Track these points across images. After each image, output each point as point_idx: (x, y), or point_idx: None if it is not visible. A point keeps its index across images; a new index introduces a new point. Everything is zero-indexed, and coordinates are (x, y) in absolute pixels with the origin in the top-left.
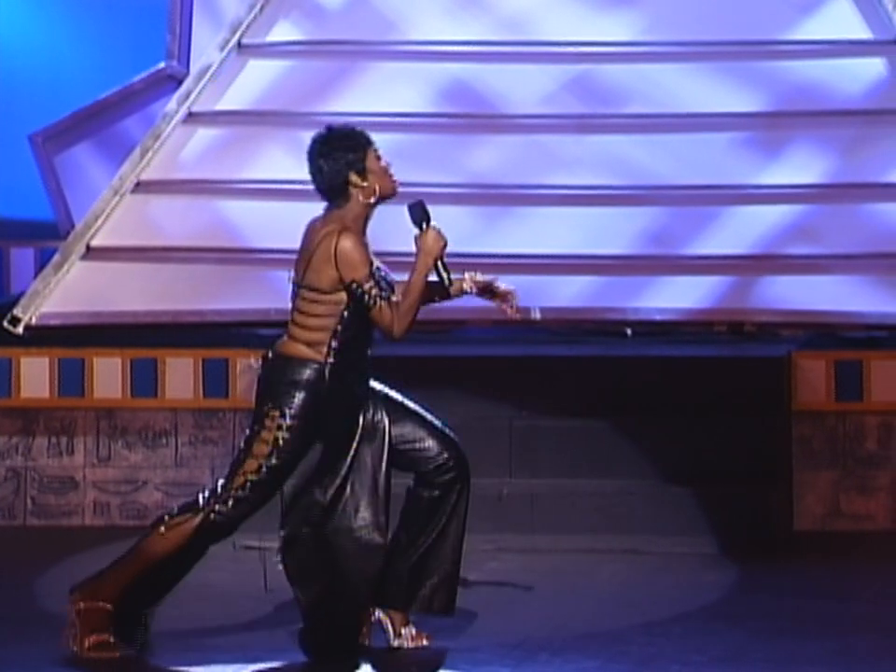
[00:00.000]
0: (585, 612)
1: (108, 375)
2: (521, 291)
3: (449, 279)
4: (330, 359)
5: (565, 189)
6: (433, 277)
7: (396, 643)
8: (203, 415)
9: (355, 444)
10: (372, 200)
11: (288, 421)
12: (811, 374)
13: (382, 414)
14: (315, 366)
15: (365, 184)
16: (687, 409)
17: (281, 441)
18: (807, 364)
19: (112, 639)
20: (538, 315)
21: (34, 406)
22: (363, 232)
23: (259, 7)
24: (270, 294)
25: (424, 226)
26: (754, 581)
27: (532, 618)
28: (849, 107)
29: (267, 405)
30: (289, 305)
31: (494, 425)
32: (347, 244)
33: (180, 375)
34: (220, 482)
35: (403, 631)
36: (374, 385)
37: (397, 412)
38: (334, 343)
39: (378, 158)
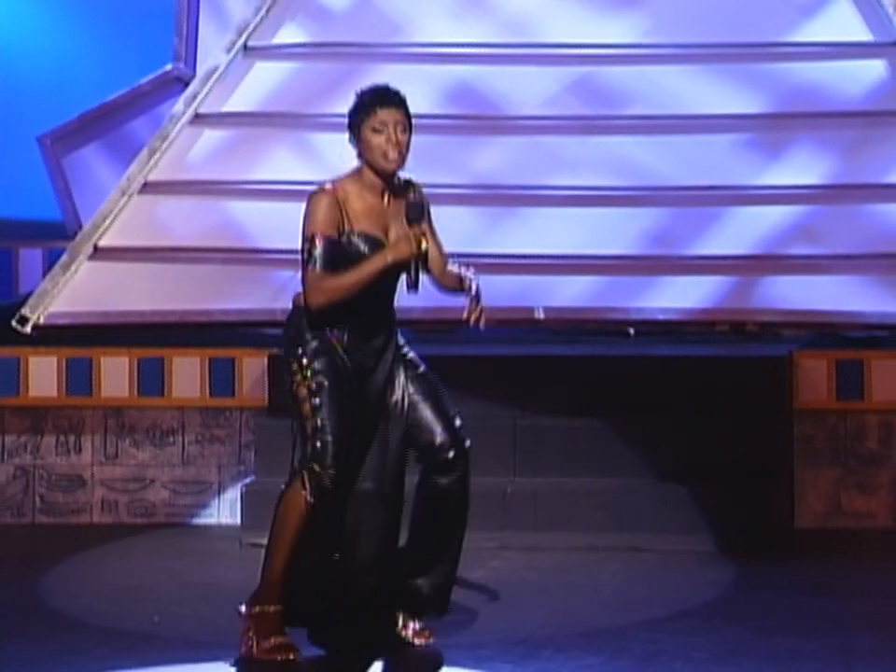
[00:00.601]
0: (587, 609)
1: (116, 374)
2: (524, 291)
3: (414, 288)
4: (317, 315)
5: (568, 190)
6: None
7: (402, 638)
8: (209, 414)
9: (376, 413)
10: (366, 167)
11: (309, 356)
12: (812, 373)
13: (403, 390)
14: (308, 314)
15: (357, 151)
16: (689, 408)
17: (310, 374)
18: (809, 363)
19: (288, 640)
20: (541, 315)
21: (42, 405)
22: (379, 197)
23: (265, 9)
24: (276, 294)
25: (411, 226)
26: (755, 579)
27: (535, 615)
28: (850, 109)
29: (288, 353)
30: None
31: (497, 424)
32: (314, 198)
33: (187, 374)
34: (298, 445)
35: (409, 626)
36: (409, 354)
37: (417, 393)
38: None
39: (375, 130)
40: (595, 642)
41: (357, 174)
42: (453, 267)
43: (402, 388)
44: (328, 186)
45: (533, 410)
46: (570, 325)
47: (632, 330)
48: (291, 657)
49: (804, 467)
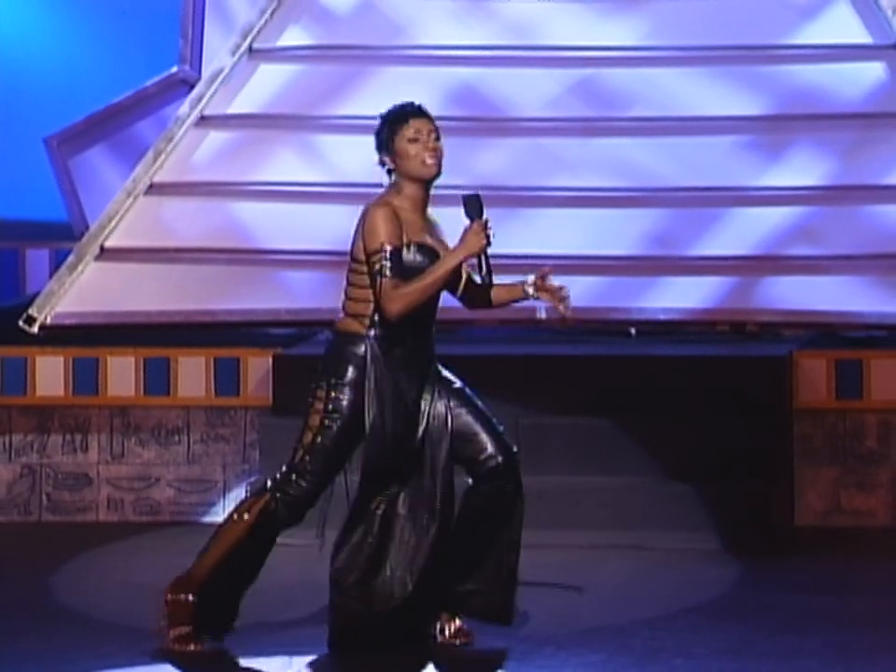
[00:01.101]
0: (590, 607)
1: (122, 374)
2: None
3: (488, 278)
4: (372, 331)
5: (569, 191)
6: (478, 272)
7: (439, 638)
8: (214, 413)
9: (420, 432)
10: (404, 181)
11: (336, 392)
12: (812, 373)
13: (445, 404)
14: (358, 338)
15: (393, 165)
16: (690, 407)
17: (330, 408)
18: (808, 363)
19: (193, 632)
20: (543, 315)
21: (49, 404)
22: (419, 211)
23: (269, 12)
24: (280, 294)
25: (474, 220)
26: (756, 577)
27: (537, 612)
28: (849, 111)
29: (319, 379)
30: (299, 305)
31: (500, 423)
32: (375, 213)
33: (192, 374)
34: (285, 464)
35: (450, 626)
36: (443, 372)
37: (459, 404)
38: (376, 316)
39: (411, 140)
40: (597, 639)
41: (395, 190)
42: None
43: (444, 404)
44: (386, 199)
45: (535, 409)
46: (572, 325)
47: (633, 330)
48: (194, 648)
49: (803, 465)
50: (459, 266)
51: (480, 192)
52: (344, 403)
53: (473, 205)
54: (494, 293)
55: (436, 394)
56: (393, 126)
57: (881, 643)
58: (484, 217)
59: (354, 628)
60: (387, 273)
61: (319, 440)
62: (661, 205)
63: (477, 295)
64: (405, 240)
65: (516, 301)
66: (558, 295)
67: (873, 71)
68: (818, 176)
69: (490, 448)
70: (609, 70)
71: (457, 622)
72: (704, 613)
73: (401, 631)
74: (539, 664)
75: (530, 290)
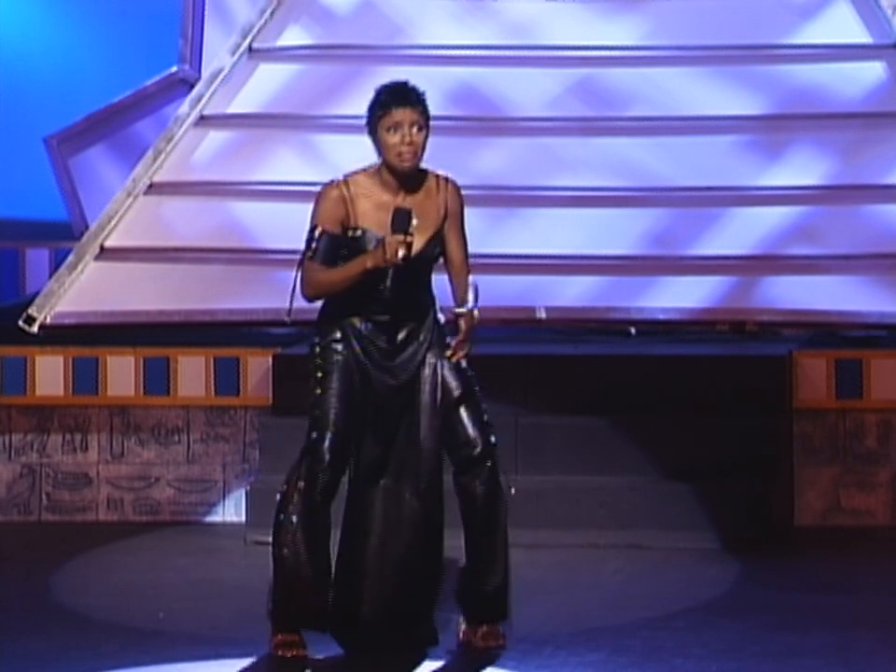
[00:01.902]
0: (589, 606)
1: (121, 373)
2: (526, 291)
3: (387, 290)
4: (340, 307)
5: (569, 191)
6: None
7: (468, 643)
8: (214, 413)
9: (409, 412)
10: (384, 166)
11: (317, 349)
12: (812, 373)
13: (441, 387)
14: (327, 301)
15: (375, 149)
16: (690, 407)
17: (317, 364)
18: (808, 363)
19: (298, 637)
20: (542, 315)
21: (48, 404)
22: (395, 196)
23: (269, 11)
24: (280, 294)
25: (395, 233)
26: (755, 576)
27: (537, 612)
28: (849, 110)
29: (311, 342)
30: (299, 305)
31: (499, 422)
32: (322, 192)
33: (192, 373)
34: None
35: (478, 631)
36: (445, 360)
37: (456, 389)
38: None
39: (389, 129)
40: (597, 639)
41: (375, 169)
42: (468, 285)
43: (440, 383)
44: (339, 179)
45: (535, 408)
46: (572, 324)
47: (633, 330)
48: (294, 654)
49: (803, 465)
50: (371, 271)
51: (412, 209)
52: (326, 358)
53: (400, 219)
54: (457, 279)
55: (433, 373)
56: (376, 112)
57: (881, 642)
58: (409, 234)
59: (356, 625)
60: (313, 255)
61: (319, 391)
62: (660, 205)
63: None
64: (352, 223)
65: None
66: (455, 347)
67: (873, 70)
68: (817, 176)
69: (468, 437)
70: (609, 70)
71: (484, 626)
72: (703, 613)
73: (404, 624)
74: (539, 663)
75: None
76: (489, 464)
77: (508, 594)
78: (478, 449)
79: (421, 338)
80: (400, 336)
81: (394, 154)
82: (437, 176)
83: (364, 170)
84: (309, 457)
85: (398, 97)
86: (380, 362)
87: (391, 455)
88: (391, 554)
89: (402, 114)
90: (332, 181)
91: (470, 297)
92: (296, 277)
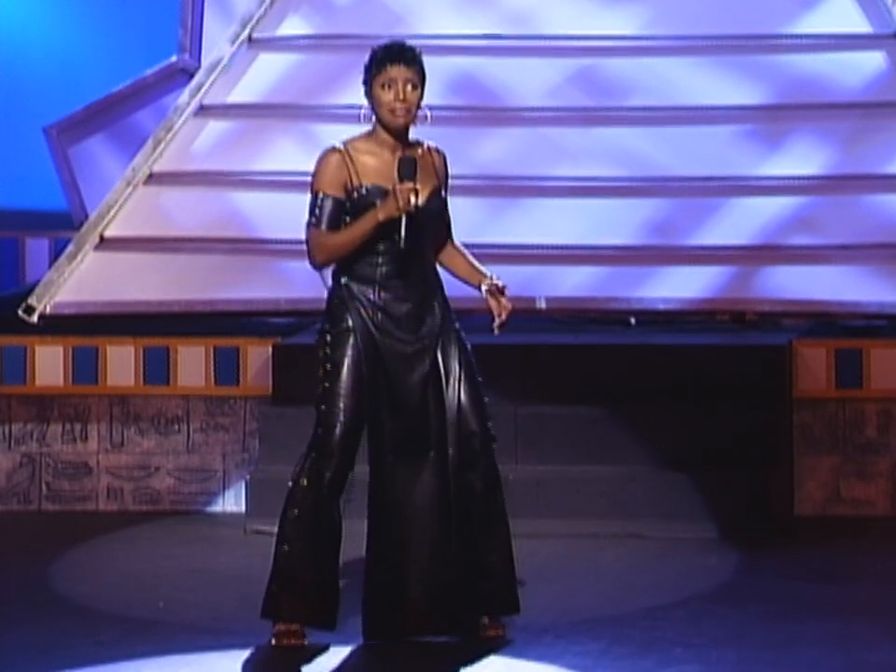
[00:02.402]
0: (589, 596)
1: (121, 363)
2: (526, 281)
3: (402, 242)
4: (345, 277)
5: (569, 181)
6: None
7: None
8: (214, 402)
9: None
10: (379, 125)
11: (328, 338)
12: (812, 362)
13: (444, 371)
14: (337, 287)
15: (370, 108)
16: (690, 396)
17: (326, 354)
18: (808, 352)
19: (298, 627)
20: (543, 305)
21: (48, 393)
22: (390, 153)
23: (269, 1)
24: (279, 284)
25: (402, 182)
26: (755, 565)
27: (537, 601)
28: (849, 100)
29: (320, 330)
30: (299, 294)
31: (499, 412)
32: (321, 159)
33: (192, 363)
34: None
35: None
36: (461, 339)
37: (463, 377)
38: (343, 263)
39: (384, 86)
40: (597, 628)
41: (371, 132)
42: (477, 264)
43: (454, 369)
44: (336, 145)
45: (534, 398)
46: (572, 314)
47: (633, 320)
48: (294, 643)
49: (803, 454)
50: (385, 223)
51: (416, 158)
52: (336, 349)
53: (406, 167)
54: (459, 263)
55: (448, 356)
56: (371, 70)
57: (881, 631)
58: (416, 182)
59: (388, 616)
60: (319, 221)
61: (327, 384)
62: (661, 195)
63: (444, 255)
64: (356, 183)
65: (468, 283)
66: (499, 310)
67: (873, 60)
68: (817, 166)
69: (472, 429)
70: (609, 59)
71: (486, 618)
72: (703, 602)
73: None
74: (539, 652)
75: (483, 288)
76: (488, 456)
77: (515, 585)
78: (477, 441)
79: (432, 309)
80: (414, 305)
81: (387, 111)
82: (428, 146)
83: (360, 135)
84: (314, 452)
85: (393, 55)
86: (396, 335)
87: (416, 428)
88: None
89: (397, 71)
90: (329, 147)
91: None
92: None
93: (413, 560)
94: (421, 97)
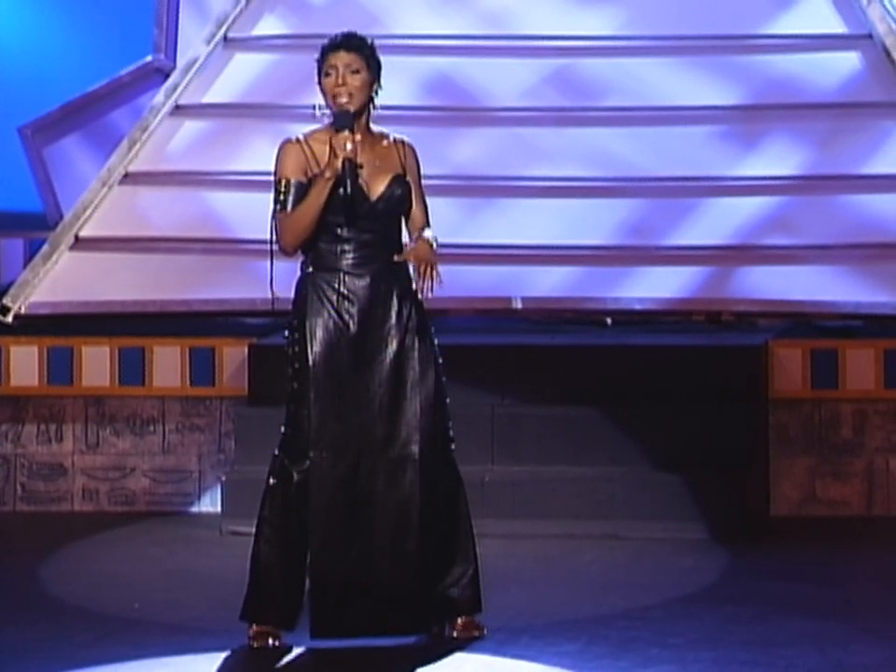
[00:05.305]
0: (566, 597)
1: (96, 363)
2: (502, 281)
3: (348, 192)
4: (310, 269)
5: (545, 181)
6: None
7: (448, 637)
8: (189, 403)
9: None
10: (327, 112)
11: (295, 336)
12: (788, 363)
13: (407, 366)
14: (302, 279)
15: (323, 100)
16: (666, 397)
17: (294, 352)
18: (784, 353)
19: (273, 629)
20: (518, 305)
21: (23, 394)
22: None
23: (244, 1)
24: (255, 284)
25: (338, 133)
26: (732, 566)
27: (513, 602)
28: (825, 100)
29: (287, 328)
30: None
31: (476, 412)
32: (279, 149)
33: (167, 364)
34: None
35: (456, 623)
36: (430, 337)
37: (417, 371)
38: (309, 254)
39: (327, 73)
40: (574, 629)
41: (329, 124)
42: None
43: (417, 366)
44: (293, 137)
45: (511, 398)
46: (548, 314)
47: (609, 320)
48: (269, 644)
49: (779, 455)
50: (333, 188)
51: (352, 111)
52: (303, 348)
53: (342, 118)
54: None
55: (413, 350)
56: (317, 62)
57: (857, 631)
58: (355, 136)
59: (336, 613)
60: (283, 205)
61: (295, 385)
62: (637, 195)
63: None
64: (315, 170)
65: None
66: (420, 269)
67: (848, 60)
68: (793, 166)
69: (430, 432)
70: (585, 60)
71: (462, 618)
72: (680, 602)
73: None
74: (515, 653)
75: (406, 248)
76: (448, 458)
77: (479, 585)
78: (437, 444)
79: (404, 302)
80: (380, 294)
81: (330, 97)
82: (394, 137)
83: (318, 128)
84: (282, 453)
85: (335, 43)
86: (361, 326)
87: (376, 423)
88: (372, 525)
89: (336, 57)
90: (286, 139)
91: (429, 233)
92: (272, 245)
93: (365, 559)
94: (372, 83)
